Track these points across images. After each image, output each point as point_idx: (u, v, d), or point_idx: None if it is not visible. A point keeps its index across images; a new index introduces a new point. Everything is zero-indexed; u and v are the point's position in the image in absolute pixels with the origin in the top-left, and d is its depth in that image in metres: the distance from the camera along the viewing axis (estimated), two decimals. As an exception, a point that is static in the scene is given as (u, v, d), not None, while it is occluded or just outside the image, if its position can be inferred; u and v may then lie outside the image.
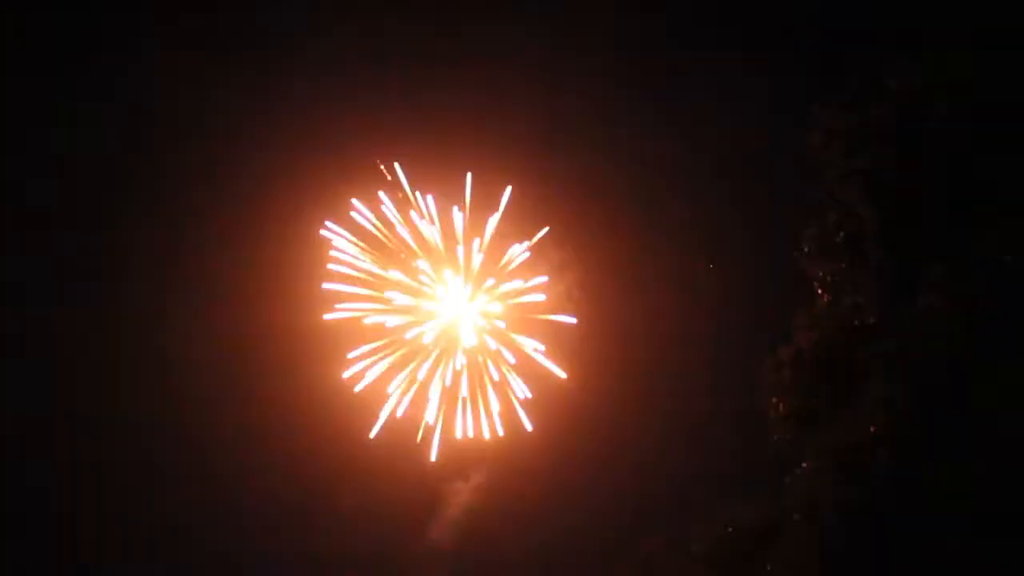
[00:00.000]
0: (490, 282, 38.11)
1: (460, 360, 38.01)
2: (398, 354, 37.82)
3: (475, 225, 38.19)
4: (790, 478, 26.33)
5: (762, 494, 27.34)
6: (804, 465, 26.13)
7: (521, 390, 37.51)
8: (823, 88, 27.41)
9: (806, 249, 27.02)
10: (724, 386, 32.13)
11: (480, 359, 37.78)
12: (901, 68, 26.02)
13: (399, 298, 38.08)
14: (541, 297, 37.64)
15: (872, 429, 24.84)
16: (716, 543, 27.38)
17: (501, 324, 38.35)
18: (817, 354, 26.58)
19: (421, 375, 37.84)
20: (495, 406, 37.71)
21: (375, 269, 38.66)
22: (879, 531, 24.40)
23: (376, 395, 37.49)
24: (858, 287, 26.51)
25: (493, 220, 37.47)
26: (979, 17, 26.26)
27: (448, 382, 37.74)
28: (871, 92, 26.40)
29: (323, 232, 37.48)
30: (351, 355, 37.72)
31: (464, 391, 37.72)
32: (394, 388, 37.56)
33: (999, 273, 24.34)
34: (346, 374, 37.30)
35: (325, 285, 37.68)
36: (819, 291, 26.92)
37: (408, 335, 38.03)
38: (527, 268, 38.32)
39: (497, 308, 38.44)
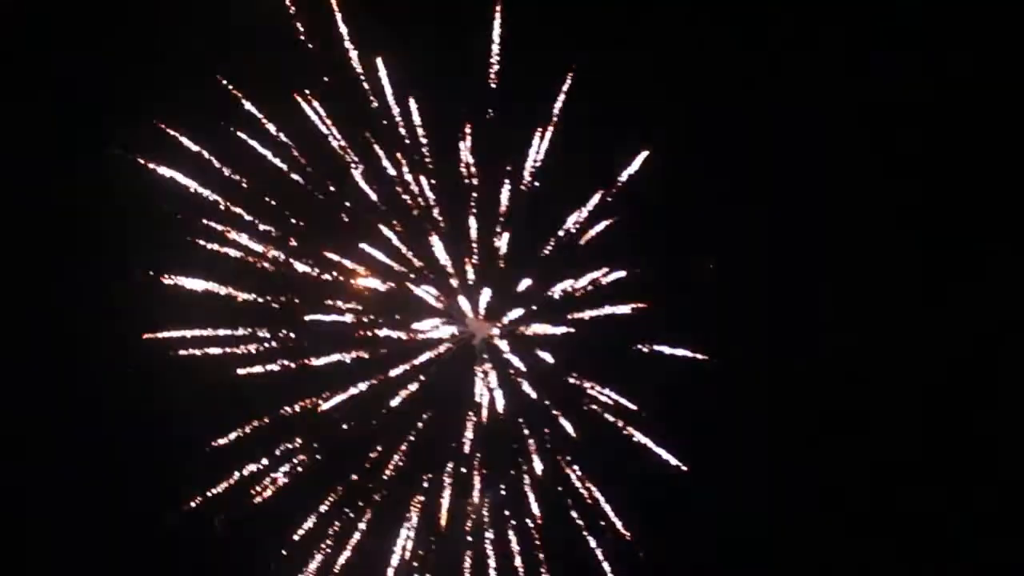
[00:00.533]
0: (524, 281, 21.78)
1: (470, 441, 21.80)
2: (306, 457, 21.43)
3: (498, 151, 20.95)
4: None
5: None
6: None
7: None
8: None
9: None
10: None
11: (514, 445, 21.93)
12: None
13: (318, 313, 22.04)
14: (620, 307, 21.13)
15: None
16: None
17: (546, 358, 22.38)
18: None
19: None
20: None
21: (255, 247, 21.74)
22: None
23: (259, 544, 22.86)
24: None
25: (537, 144, 20.93)
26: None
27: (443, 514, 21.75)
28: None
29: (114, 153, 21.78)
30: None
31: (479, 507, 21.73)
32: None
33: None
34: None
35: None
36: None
37: (328, 404, 21.88)
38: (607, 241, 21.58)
39: (547, 329, 22.05)
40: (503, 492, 24.39)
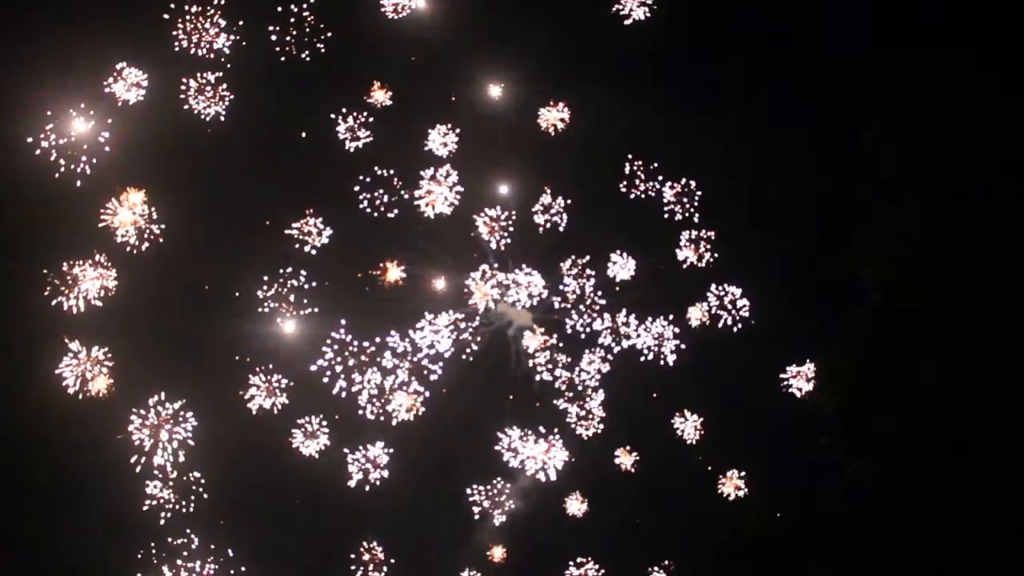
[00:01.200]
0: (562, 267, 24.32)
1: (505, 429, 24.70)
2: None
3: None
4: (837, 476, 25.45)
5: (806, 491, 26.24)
6: (853, 465, 25.13)
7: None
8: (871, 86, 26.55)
9: (856, 249, 25.94)
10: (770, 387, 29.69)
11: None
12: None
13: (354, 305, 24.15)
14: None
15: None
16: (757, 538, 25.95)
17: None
18: (868, 356, 25.32)
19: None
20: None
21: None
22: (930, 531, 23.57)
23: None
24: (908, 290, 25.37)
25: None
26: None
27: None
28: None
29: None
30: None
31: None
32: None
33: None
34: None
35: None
36: (871, 292, 25.93)
37: (363, 396, 24.97)
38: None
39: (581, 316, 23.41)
40: (538, 478, 26.28)
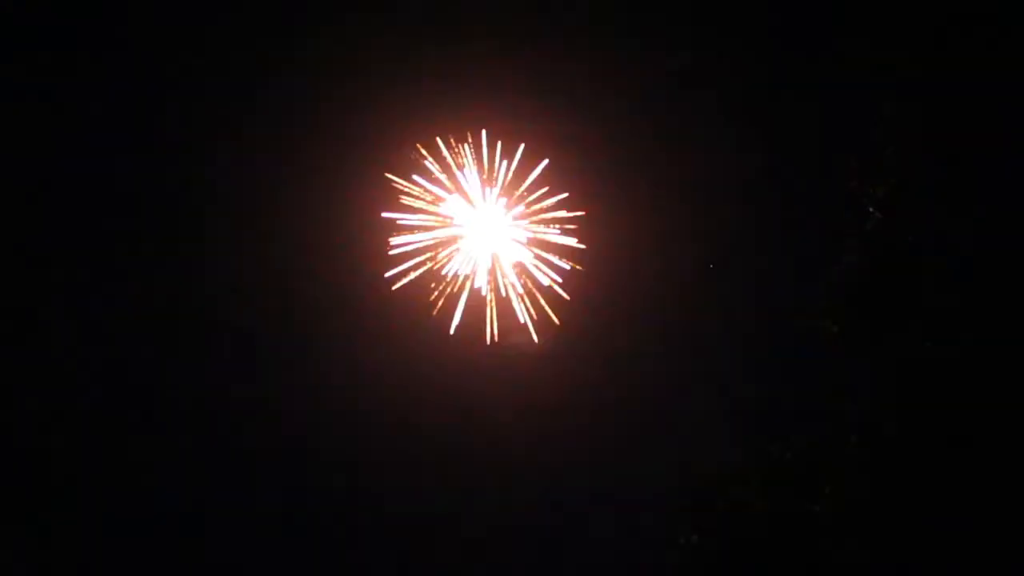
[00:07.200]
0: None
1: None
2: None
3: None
4: (842, 403, 23.94)
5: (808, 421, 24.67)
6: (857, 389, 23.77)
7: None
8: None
9: (854, 166, 24.50)
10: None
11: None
12: None
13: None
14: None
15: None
16: (769, 472, 24.43)
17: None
18: (871, 274, 23.94)
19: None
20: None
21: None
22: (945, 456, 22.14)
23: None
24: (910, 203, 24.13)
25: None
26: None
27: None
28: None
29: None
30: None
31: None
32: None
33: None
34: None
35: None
36: (870, 209, 25.18)
37: None
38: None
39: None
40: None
